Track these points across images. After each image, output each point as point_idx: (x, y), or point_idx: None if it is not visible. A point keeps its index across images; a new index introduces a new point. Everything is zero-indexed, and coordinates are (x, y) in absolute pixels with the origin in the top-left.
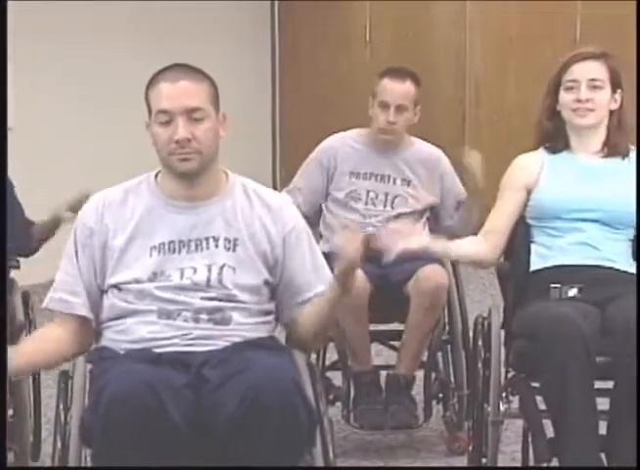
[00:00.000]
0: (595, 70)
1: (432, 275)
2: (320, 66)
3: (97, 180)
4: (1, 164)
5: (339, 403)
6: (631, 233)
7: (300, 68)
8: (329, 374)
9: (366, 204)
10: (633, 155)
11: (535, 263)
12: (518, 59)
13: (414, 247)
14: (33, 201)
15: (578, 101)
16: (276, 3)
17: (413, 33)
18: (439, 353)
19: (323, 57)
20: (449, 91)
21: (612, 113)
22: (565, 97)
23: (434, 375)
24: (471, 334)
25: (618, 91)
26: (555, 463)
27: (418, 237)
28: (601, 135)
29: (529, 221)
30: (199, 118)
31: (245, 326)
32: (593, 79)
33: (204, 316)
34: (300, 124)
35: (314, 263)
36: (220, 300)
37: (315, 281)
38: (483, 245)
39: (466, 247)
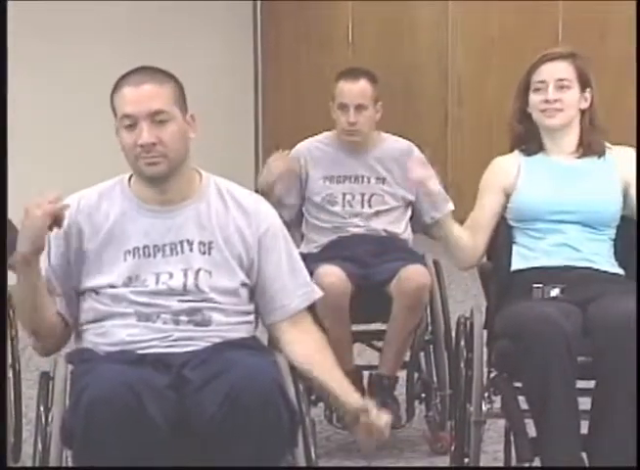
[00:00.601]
0: (562, 70)
1: (414, 275)
2: (302, 66)
3: (86, 180)
4: (1, 163)
5: (321, 404)
6: (612, 233)
7: (283, 68)
8: None
9: (343, 206)
10: (609, 153)
11: (517, 264)
12: (500, 59)
13: (433, 188)
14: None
15: (546, 102)
16: (258, 3)
17: (395, 33)
18: (422, 354)
19: (305, 57)
20: (432, 91)
21: (583, 112)
22: (533, 98)
23: (416, 375)
24: (453, 334)
25: (588, 90)
26: (537, 463)
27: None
28: (574, 135)
29: (511, 223)
30: (163, 121)
31: (225, 327)
32: (561, 79)
33: (183, 318)
34: (283, 124)
35: (291, 266)
36: (198, 302)
37: (292, 284)
38: (471, 240)
39: (462, 232)
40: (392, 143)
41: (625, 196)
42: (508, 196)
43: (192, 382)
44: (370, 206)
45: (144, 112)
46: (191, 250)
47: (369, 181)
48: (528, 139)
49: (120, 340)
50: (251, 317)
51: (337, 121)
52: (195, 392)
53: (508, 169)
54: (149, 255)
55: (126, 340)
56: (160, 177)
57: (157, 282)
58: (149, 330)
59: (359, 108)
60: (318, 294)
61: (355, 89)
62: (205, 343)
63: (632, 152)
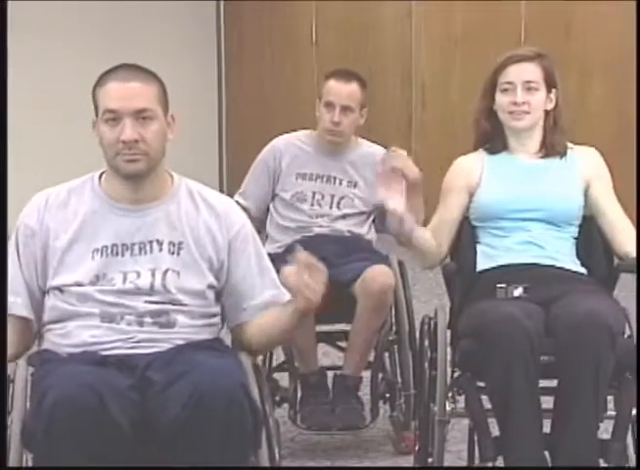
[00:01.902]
0: (530, 71)
1: (378, 276)
2: (266, 66)
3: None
4: (1, 163)
5: (286, 405)
6: (574, 231)
7: (246, 68)
8: (276, 375)
9: (312, 205)
10: (571, 153)
11: (482, 264)
12: (463, 60)
13: (397, 210)
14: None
15: (514, 104)
16: (221, 3)
17: (359, 34)
18: (386, 354)
19: (269, 57)
20: (396, 92)
21: (547, 113)
22: (501, 99)
23: (380, 375)
24: (417, 334)
25: (554, 90)
26: (500, 462)
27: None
28: (538, 136)
29: (474, 222)
30: (147, 120)
31: (190, 329)
32: (528, 81)
33: (148, 319)
34: (247, 125)
35: (260, 268)
36: (164, 303)
37: (260, 286)
38: (435, 243)
39: (427, 234)
40: (368, 149)
41: (586, 195)
42: (471, 195)
43: (155, 383)
44: (339, 208)
45: (129, 108)
46: (160, 250)
47: (340, 183)
48: (493, 137)
49: (83, 341)
50: (217, 319)
51: (320, 119)
52: (158, 393)
53: (471, 168)
54: (117, 253)
55: (89, 341)
56: (138, 175)
57: (124, 281)
58: (112, 331)
59: (345, 109)
60: (286, 296)
61: (345, 90)
62: (168, 344)
63: (594, 152)
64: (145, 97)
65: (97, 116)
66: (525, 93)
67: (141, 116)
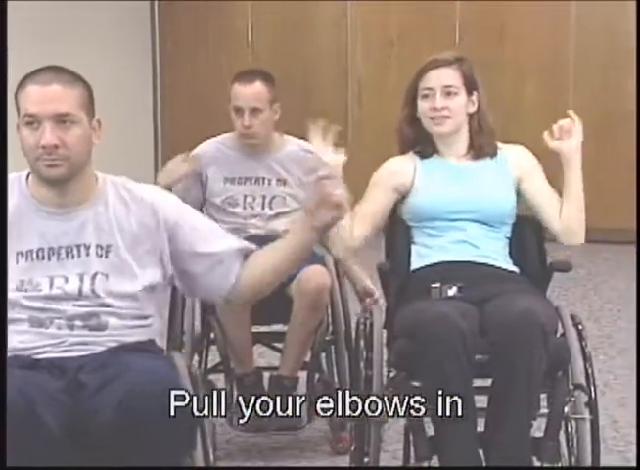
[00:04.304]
0: (449, 76)
1: (313, 276)
2: (201, 67)
3: None
4: (1, 164)
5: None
6: (507, 231)
7: (182, 69)
8: (211, 377)
9: (244, 208)
10: (502, 153)
11: (416, 262)
12: (399, 59)
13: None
14: None
15: (434, 109)
16: (155, 3)
17: (295, 34)
18: (323, 354)
19: (204, 58)
20: (331, 91)
21: (471, 116)
22: (421, 105)
23: (317, 376)
24: (354, 334)
25: (475, 93)
26: (436, 461)
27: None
28: (464, 139)
29: (409, 223)
30: (68, 124)
31: (122, 331)
32: (447, 86)
33: (78, 323)
34: (182, 126)
35: (208, 226)
36: (94, 307)
37: (215, 237)
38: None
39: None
40: (294, 145)
41: (520, 192)
42: (403, 197)
43: (87, 386)
44: (271, 208)
45: (49, 112)
46: (87, 254)
47: (270, 183)
48: (421, 142)
49: (12, 347)
50: (150, 321)
51: (234, 124)
52: (90, 396)
53: (402, 170)
54: (43, 257)
55: (18, 346)
56: (59, 180)
57: (50, 286)
58: (42, 336)
59: (254, 111)
60: (242, 241)
61: (249, 92)
62: (100, 347)
63: (523, 149)
64: (66, 101)
65: (18, 119)
66: (444, 98)
67: (62, 120)
